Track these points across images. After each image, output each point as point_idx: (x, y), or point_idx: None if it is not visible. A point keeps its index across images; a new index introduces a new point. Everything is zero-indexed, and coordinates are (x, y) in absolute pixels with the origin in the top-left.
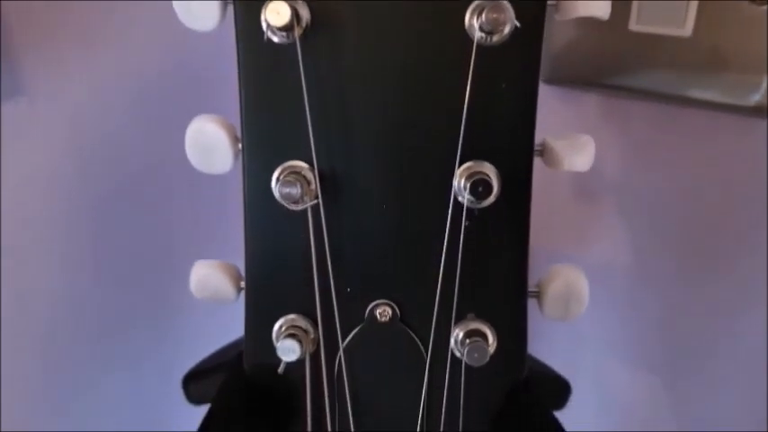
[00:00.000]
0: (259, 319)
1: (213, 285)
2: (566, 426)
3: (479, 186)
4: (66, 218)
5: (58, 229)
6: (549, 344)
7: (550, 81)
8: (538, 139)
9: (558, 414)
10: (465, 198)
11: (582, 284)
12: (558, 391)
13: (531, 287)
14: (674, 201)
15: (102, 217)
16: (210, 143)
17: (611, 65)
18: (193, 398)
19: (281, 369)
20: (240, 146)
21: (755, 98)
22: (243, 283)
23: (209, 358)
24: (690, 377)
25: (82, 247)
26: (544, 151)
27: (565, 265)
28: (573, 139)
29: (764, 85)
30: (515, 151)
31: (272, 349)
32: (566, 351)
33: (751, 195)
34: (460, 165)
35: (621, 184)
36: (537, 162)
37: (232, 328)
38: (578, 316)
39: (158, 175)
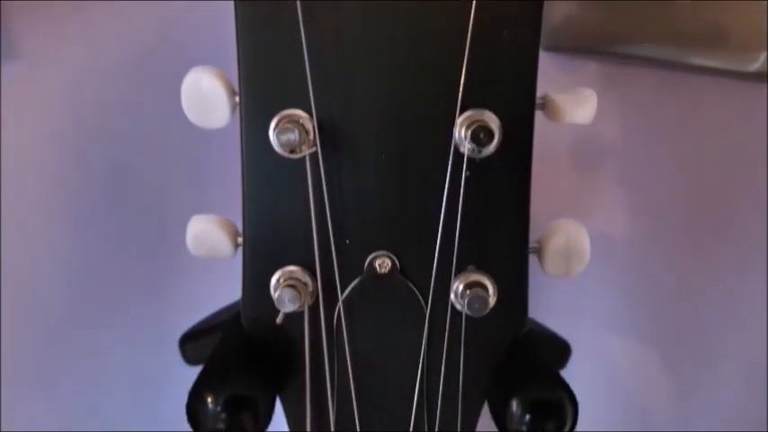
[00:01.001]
0: (257, 272)
1: (210, 241)
2: None
3: (481, 133)
4: (63, 181)
5: (54, 193)
6: (546, 319)
7: (550, 49)
8: (539, 93)
9: None
10: (466, 147)
11: (583, 239)
12: (558, 350)
13: (532, 243)
14: (675, 168)
15: (99, 180)
16: (207, 96)
17: (612, 33)
18: (190, 358)
19: (279, 319)
20: (237, 99)
21: (755, 66)
22: (240, 239)
23: (207, 319)
24: (691, 350)
25: (77, 211)
26: (545, 104)
27: (565, 220)
28: (575, 93)
29: (764, 55)
30: (516, 100)
31: (271, 303)
32: (564, 325)
33: (753, 161)
34: (461, 113)
35: (622, 153)
36: (536, 131)
37: (231, 297)
38: (579, 272)
39: (156, 139)
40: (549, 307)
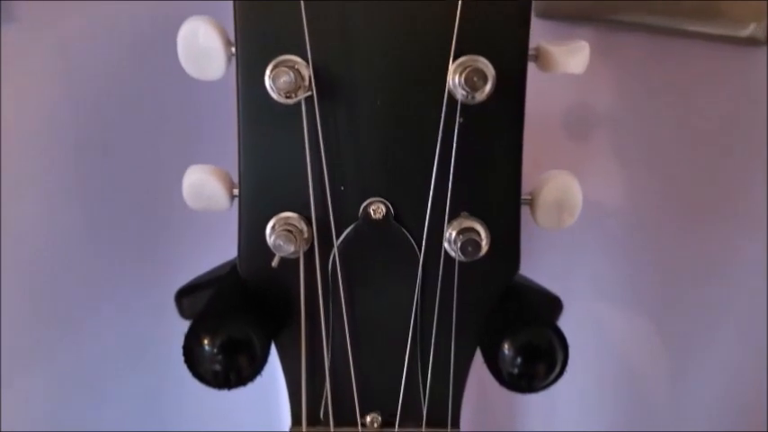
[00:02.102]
0: (253, 219)
1: (206, 190)
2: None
3: (474, 77)
4: (60, 145)
5: (49, 160)
6: None
7: (545, 17)
8: (532, 45)
9: None
10: (459, 93)
11: (575, 190)
12: (550, 305)
13: (524, 195)
14: (669, 134)
15: (94, 141)
16: (204, 46)
17: (606, 1)
18: (186, 313)
19: (274, 262)
20: (233, 50)
21: (747, 32)
22: (236, 191)
23: (203, 275)
24: (685, 320)
25: (73, 177)
26: (539, 55)
27: (557, 171)
28: (567, 43)
29: (755, 22)
30: (510, 45)
31: (267, 250)
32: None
33: (747, 125)
34: (455, 60)
35: (615, 120)
36: (529, 99)
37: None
38: (571, 222)
39: (150, 100)
40: (539, 275)
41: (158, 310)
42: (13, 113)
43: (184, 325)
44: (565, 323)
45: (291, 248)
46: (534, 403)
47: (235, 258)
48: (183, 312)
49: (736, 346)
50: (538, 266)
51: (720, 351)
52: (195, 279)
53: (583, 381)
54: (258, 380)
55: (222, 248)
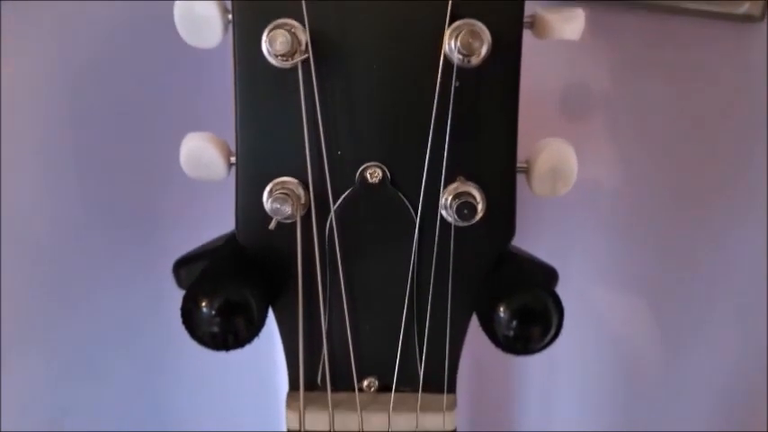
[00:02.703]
0: (250, 183)
1: (204, 158)
2: (549, 351)
3: (470, 38)
4: (57, 125)
5: (46, 141)
6: None
7: None
8: (527, 13)
9: None
10: (455, 56)
11: (570, 158)
12: (546, 275)
13: (520, 163)
14: (665, 114)
15: (91, 120)
16: (201, 14)
17: None
18: (184, 283)
19: (271, 225)
20: (230, 17)
21: (743, 9)
22: (233, 159)
23: (201, 246)
24: (682, 301)
25: (71, 156)
26: (534, 22)
27: (553, 139)
28: (563, 10)
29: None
30: (505, 10)
31: (264, 215)
32: None
33: (749, 104)
34: (450, 24)
35: (611, 99)
36: (524, 78)
37: None
38: (566, 190)
39: (148, 78)
40: (535, 254)
41: (157, 291)
42: (11, 91)
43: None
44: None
45: (288, 211)
46: (530, 390)
47: (232, 230)
48: (181, 283)
49: (734, 327)
50: (533, 248)
51: (718, 332)
52: (193, 250)
53: (579, 364)
54: (254, 345)
55: (221, 229)
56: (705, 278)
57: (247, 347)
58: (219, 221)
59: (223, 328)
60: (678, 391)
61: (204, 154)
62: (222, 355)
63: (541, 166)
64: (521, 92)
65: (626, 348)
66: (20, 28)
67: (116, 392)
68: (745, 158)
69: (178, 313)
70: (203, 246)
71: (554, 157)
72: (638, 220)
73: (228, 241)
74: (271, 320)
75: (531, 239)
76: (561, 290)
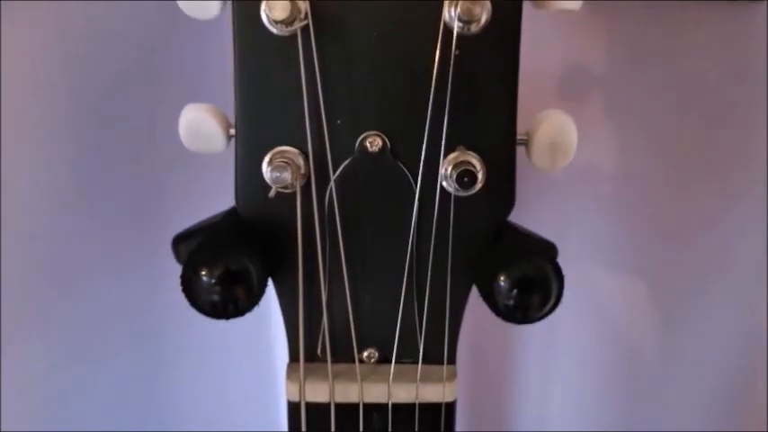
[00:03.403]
0: (250, 154)
1: (203, 129)
2: (546, 330)
3: (470, 5)
4: (55, 108)
5: (45, 123)
6: None
7: None
8: None
9: (540, 322)
10: (455, 24)
11: (569, 130)
12: (546, 248)
13: (520, 135)
14: (663, 97)
15: (90, 102)
16: None
17: None
18: (183, 258)
19: (271, 193)
20: None
21: None
22: (232, 131)
23: (200, 222)
24: (680, 278)
25: (70, 140)
26: None
27: (553, 111)
28: None
29: None
30: None
31: (264, 185)
32: None
33: (749, 79)
34: None
35: (609, 82)
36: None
37: None
38: (565, 163)
39: (147, 55)
40: None
41: (156, 275)
42: (10, 75)
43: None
44: None
45: (288, 178)
46: (529, 371)
47: (231, 207)
48: (180, 258)
49: (734, 308)
50: (531, 226)
51: (717, 313)
52: (191, 226)
53: (577, 345)
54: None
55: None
56: (704, 260)
57: (247, 346)
58: (220, 205)
59: (223, 297)
60: (678, 372)
61: (203, 125)
62: (221, 348)
63: (541, 137)
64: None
65: (625, 329)
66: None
67: (114, 378)
68: (745, 141)
69: (177, 299)
70: (202, 221)
71: (554, 129)
72: (638, 202)
73: (228, 215)
74: (270, 320)
75: (530, 222)
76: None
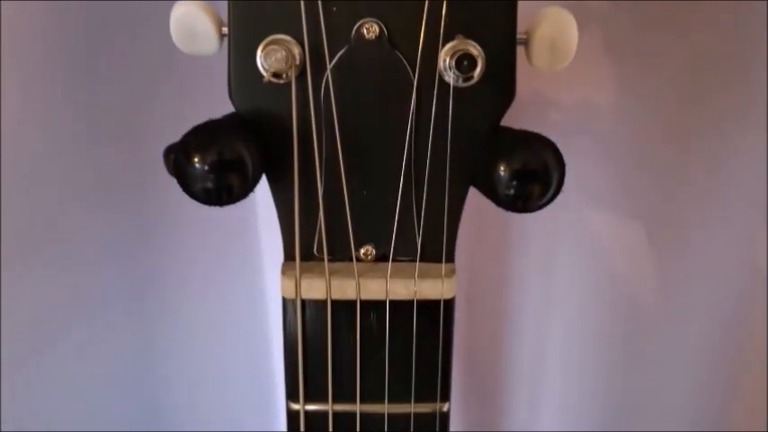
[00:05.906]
0: (244, 43)
1: (194, 25)
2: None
3: None
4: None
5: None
6: None
7: None
8: None
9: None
10: None
11: (570, 23)
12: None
13: (520, 34)
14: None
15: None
16: None
17: None
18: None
19: (266, 78)
20: None
21: None
22: (224, 29)
23: None
24: (679, 228)
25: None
26: None
27: (555, 8)
28: None
29: None
30: None
31: (259, 75)
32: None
33: (749, 40)
34: None
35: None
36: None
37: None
38: (565, 63)
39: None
40: None
41: (158, 255)
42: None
43: (182, 271)
44: (553, 229)
45: (282, 58)
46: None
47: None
48: (171, 169)
49: (734, 253)
50: None
51: (717, 259)
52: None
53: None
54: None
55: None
56: (704, 204)
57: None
58: None
59: (217, 182)
60: (677, 319)
61: (194, 21)
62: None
63: (542, 35)
64: None
65: (624, 275)
66: None
67: (113, 342)
68: (746, 88)
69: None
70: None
71: (554, 28)
72: (637, 146)
73: (225, 116)
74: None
75: None
76: (559, 216)
